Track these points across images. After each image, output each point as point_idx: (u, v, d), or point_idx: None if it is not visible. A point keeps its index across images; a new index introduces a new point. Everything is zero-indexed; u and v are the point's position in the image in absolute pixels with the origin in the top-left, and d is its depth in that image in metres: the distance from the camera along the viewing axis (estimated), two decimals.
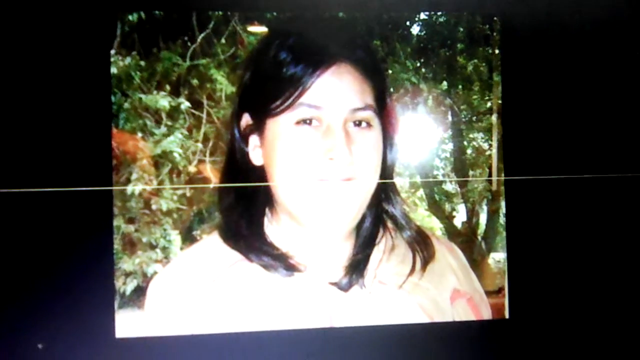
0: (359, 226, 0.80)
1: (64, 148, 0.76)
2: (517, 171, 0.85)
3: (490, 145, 0.86)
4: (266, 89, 0.77)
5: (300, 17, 0.81)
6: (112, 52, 0.78)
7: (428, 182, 0.85)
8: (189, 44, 0.79)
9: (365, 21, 0.83)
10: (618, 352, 0.86)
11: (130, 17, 0.78)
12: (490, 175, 0.86)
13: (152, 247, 0.78)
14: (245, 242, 0.78)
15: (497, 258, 0.85)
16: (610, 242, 0.86)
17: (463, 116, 0.86)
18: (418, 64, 0.84)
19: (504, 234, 0.85)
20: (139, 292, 0.77)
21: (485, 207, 0.86)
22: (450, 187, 0.86)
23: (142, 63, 0.78)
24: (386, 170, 0.81)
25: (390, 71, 0.83)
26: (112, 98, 0.78)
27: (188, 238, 0.79)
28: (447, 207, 0.86)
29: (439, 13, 0.85)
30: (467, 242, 0.86)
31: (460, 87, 0.85)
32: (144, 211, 0.79)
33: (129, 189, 0.78)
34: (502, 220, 0.85)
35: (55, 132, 0.76)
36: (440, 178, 0.86)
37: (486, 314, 0.84)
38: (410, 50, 0.84)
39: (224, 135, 0.79)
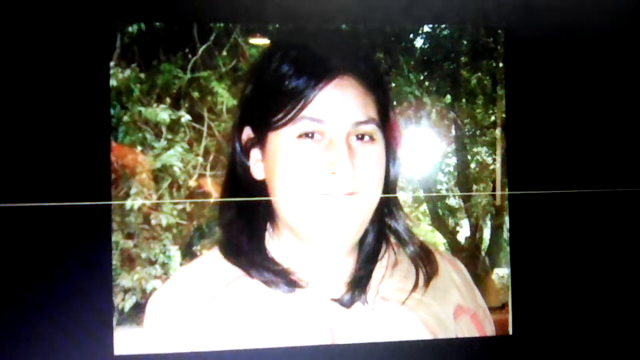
0: (361, 241, 0.79)
1: (61, 161, 0.75)
2: (521, 186, 0.84)
3: (494, 160, 0.85)
4: (268, 102, 0.76)
5: (303, 29, 0.81)
6: (112, 64, 0.77)
7: (431, 196, 0.84)
8: (189, 56, 0.78)
9: (368, 34, 0.82)
10: None
11: (130, 29, 0.77)
12: (494, 189, 0.85)
13: (152, 262, 0.77)
14: (246, 257, 0.77)
15: (501, 274, 0.85)
16: (615, 258, 0.85)
17: (467, 130, 0.85)
18: (421, 77, 0.84)
19: (508, 249, 0.84)
20: (138, 309, 0.76)
21: (489, 222, 0.86)
22: (453, 201, 0.86)
23: (142, 75, 0.77)
24: (389, 185, 0.80)
25: (393, 84, 0.83)
26: (111, 111, 0.77)
27: (188, 254, 0.78)
28: (451, 222, 0.86)
29: (443, 26, 0.84)
30: (471, 257, 0.85)
31: (464, 100, 0.85)
32: (143, 226, 0.77)
33: (128, 203, 0.77)
34: (506, 235, 0.84)
35: (52, 145, 0.75)
36: (444, 193, 0.85)
37: (490, 330, 0.83)
38: (413, 63, 0.83)
39: (224, 149, 0.79)
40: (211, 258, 0.77)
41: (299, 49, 0.77)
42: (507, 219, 0.84)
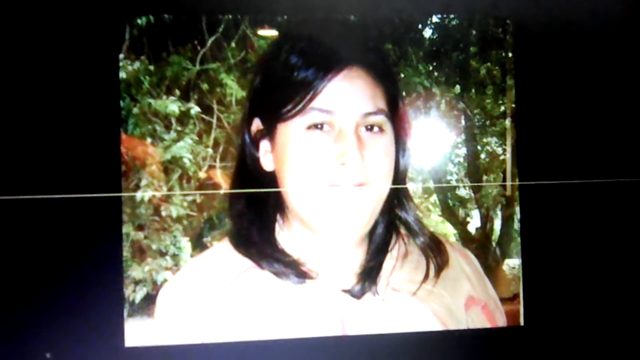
0: (371, 232, 0.79)
1: (72, 154, 0.75)
2: (532, 176, 0.84)
3: (504, 150, 0.85)
4: (277, 93, 0.76)
5: (311, 20, 0.81)
6: (121, 56, 0.77)
7: (441, 187, 0.84)
8: (198, 48, 0.79)
9: (377, 25, 0.82)
10: None
11: (139, 21, 0.78)
12: (504, 180, 0.85)
13: (162, 254, 0.77)
14: (257, 249, 0.77)
15: (512, 264, 0.84)
16: (627, 248, 0.85)
17: (476, 120, 0.85)
18: (430, 68, 0.83)
19: (519, 239, 0.84)
20: (149, 300, 0.76)
21: (499, 213, 0.85)
22: (464, 192, 0.85)
23: (151, 67, 0.78)
24: (399, 176, 0.80)
25: (402, 75, 0.82)
26: (121, 103, 0.77)
27: (198, 245, 0.78)
28: (461, 212, 0.85)
29: (452, 16, 0.84)
30: (482, 248, 0.84)
31: (473, 91, 0.84)
32: (153, 218, 0.78)
33: (138, 195, 0.77)
34: (516, 225, 0.84)
35: (63, 138, 0.75)
36: (454, 183, 0.85)
37: (501, 321, 0.83)
38: (422, 53, 0.83)
39: (234, 141, 0.79)
40: (221, 249, 0.77)
41: (307, 40, 0.77)
42: (517, 209, 0.84)
